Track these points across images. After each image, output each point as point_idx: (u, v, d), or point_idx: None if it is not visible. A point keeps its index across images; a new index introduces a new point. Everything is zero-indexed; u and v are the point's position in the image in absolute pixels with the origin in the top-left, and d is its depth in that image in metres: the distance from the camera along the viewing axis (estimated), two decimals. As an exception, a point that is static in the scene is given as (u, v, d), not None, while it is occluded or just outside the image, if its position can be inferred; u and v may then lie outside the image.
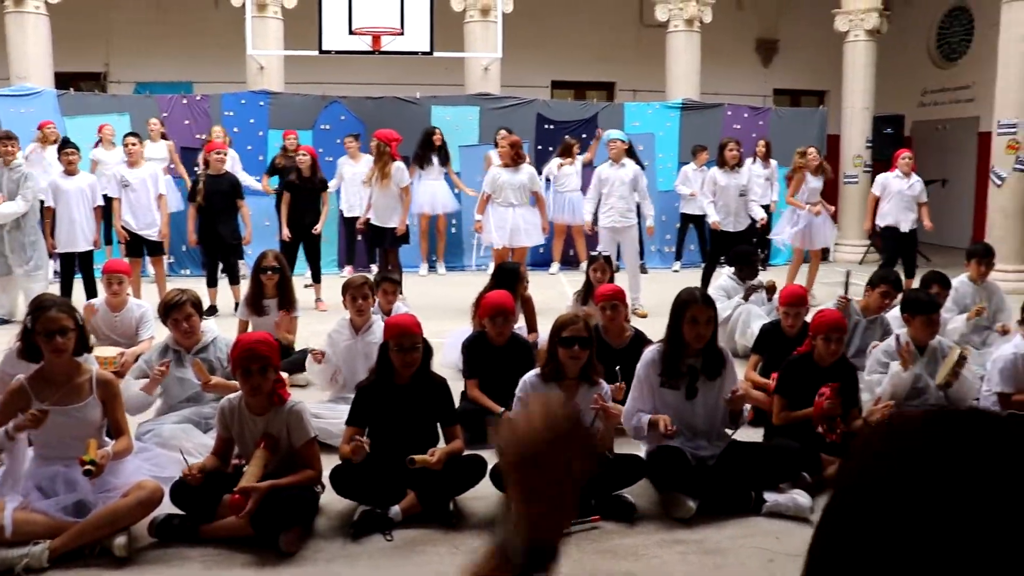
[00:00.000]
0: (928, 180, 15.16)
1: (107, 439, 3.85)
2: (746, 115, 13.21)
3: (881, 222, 9.60)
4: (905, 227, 9.49)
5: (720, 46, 15.26)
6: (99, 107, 11.53)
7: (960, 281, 7.03)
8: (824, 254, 10.74)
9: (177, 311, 4.77)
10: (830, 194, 11.02)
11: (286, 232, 9.06)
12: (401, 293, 9.00)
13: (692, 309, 4.21)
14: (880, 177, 9.96)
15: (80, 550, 3.46)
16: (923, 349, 5.03)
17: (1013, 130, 10.73)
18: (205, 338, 4.88)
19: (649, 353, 4.44)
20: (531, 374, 4.23)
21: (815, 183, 9.59)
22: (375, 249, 9.44)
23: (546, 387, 4.12)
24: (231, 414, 3.82)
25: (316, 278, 9.24)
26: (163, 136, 10.87)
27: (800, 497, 4.04)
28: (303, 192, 9.09)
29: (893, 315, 6.52)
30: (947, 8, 16.49)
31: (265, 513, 3.55)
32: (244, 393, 3.79)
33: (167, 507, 3.69)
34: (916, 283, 7.51)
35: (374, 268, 9.75)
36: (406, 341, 4.03)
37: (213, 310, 8.47)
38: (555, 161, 11.37)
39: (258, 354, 3.71)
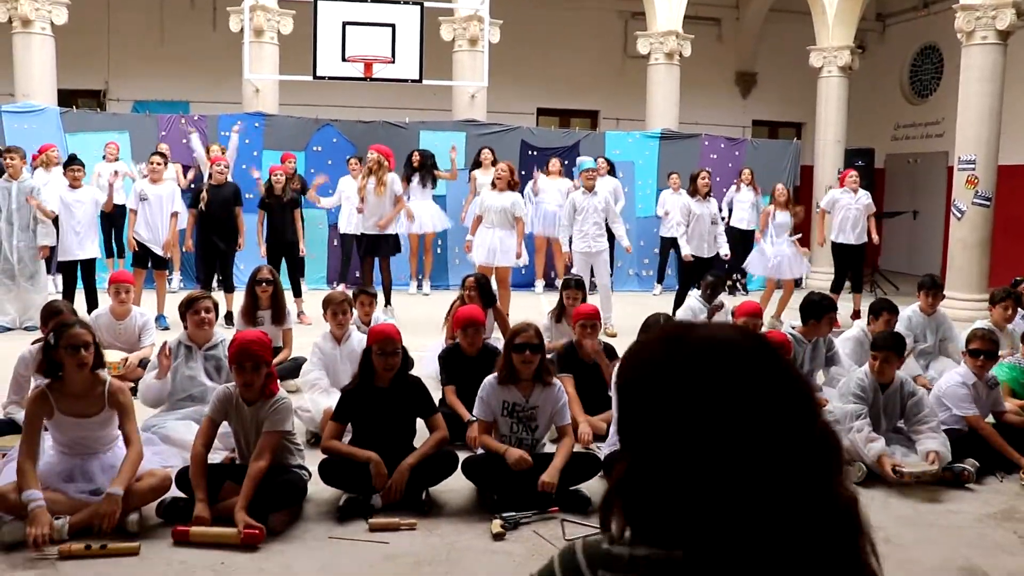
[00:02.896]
0: (900, 211, 15.87)
1: (118, 435, 4.28)
2: (722, 145, 13.75)
3: (832, 236, 10.38)
4: (851, 239, 10.24)
5: (701, 78, 15.87)
6: (100, 124, 12.00)
7: (912, 311, 7.50)
8: (797, 282, 11.27)
9: (198, 303, 5.31)
10: (805, 223, 11.55)
11: (263, 250, 9.63)
12: (389, 304, 9.48)
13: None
14: (829, 193, 10.85)
15: (95, 525, 3.87)
16: (886, 387, 5.35)
17: (972, 166, 11.30)
18: (215, 338, 5.36)
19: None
20: (490, 377, 4.69)
21: (782, 218, 10.12)
22: (369, 258, 9.77)
23: (504, 390, 4.58)
24: (227, 401, 4.27)
25: (297, 292, 9.68)
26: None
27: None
28: (275, 210, 9.65)
29: (844, 337, 7.03)
30: (919, 47, 17.17)
31: (259, 496, 4.00)
32: (237, 384, 4.24)
33: (173, 492, 4.14)
34: (864, 306, 8.03)
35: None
36: (388, 346, 4.49)
37: (229, 316, 8.93)
38: (541, 176, 11.93)
39: (251, 352, 4.16)
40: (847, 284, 10.53)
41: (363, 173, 9.58)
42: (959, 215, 11.54)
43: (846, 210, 10.26)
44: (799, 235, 10.30)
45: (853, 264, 10.48)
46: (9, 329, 8.50)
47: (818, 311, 6.35)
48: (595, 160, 9.81)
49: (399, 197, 9.52)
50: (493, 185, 9.23)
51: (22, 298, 8.57)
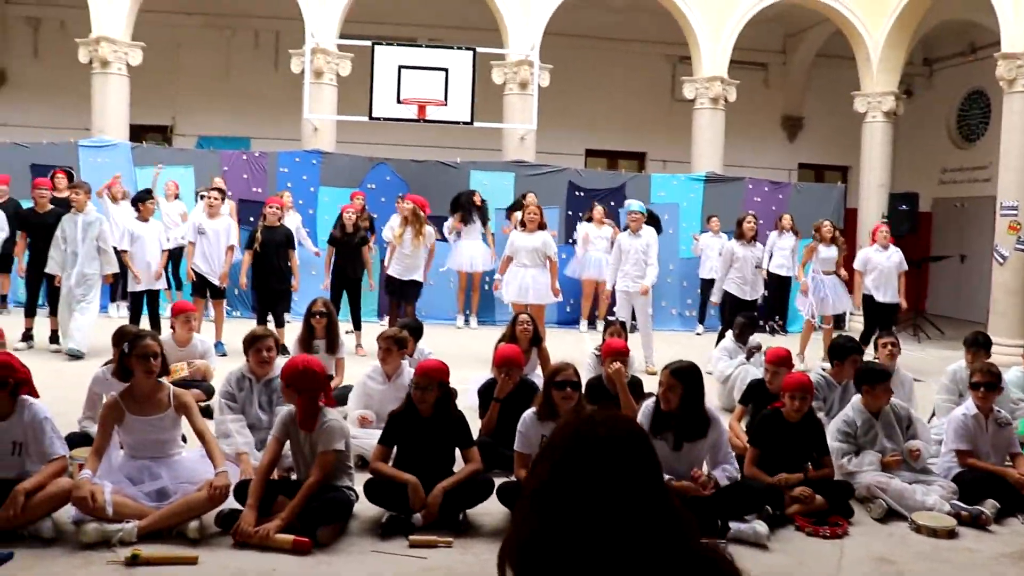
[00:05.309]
0: (946, 255, 15.88)
1: (182, 443, 4.74)
2: (766, 189, 13.95)
3: (868, 292, 10.21)
4: (886, 297, 10.11)
5: (747, 121, 16.12)
6: (167, 159, 12.63)
7: (959, 367, 7.05)
8: (838, 322, 11.34)
9: (261, 342, 5.61)
10: (846, 267, 11.65)
11: (326, 282, 10.03)
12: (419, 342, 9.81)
13: (661, 377, 4.97)
14: (861, 252, 10.69)
15: (161, 531, 4.31)
16: (877, 414, 5.67)
17: (1014, 212, 11.39)
18: (273, 372, 5.66)
19: (645, 407, 5.18)
20: (529, 412, 4.98)
21: (827, 253, 10.28)
22: (397, 303, 10.12)
23: (542, 425, 4.87)
24: (288, 422, 4.68)
25: (357, 325, 10.10)
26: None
27: (759, 526, 4.73)
28: (344, 246, 10.06)
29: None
30: (967, 91, 17.24)
31: (308, 511, 4.36)
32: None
33: (230, 504, 4.52)
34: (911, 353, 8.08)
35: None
36: (422, 382, 4.84)
37: (283, 348, 9.36)
38: (587, 225, 12.29)
39: (293, 376, 4.59)
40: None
41: (399, 222, 9.95)
42: (1001, 261, 11.61)
43: (879, 268, 10.10)
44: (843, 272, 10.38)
45: (885, 320, 10.09)
46: (81, 356, 8.69)
47: (842, 353, 6.53)
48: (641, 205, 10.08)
49: (431, 248, 9.84)
50: (523, 225, 9.57)
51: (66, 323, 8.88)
